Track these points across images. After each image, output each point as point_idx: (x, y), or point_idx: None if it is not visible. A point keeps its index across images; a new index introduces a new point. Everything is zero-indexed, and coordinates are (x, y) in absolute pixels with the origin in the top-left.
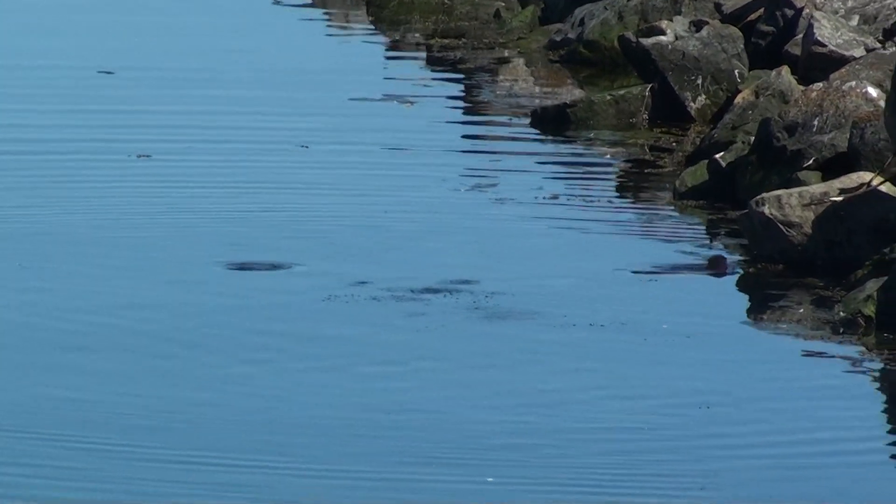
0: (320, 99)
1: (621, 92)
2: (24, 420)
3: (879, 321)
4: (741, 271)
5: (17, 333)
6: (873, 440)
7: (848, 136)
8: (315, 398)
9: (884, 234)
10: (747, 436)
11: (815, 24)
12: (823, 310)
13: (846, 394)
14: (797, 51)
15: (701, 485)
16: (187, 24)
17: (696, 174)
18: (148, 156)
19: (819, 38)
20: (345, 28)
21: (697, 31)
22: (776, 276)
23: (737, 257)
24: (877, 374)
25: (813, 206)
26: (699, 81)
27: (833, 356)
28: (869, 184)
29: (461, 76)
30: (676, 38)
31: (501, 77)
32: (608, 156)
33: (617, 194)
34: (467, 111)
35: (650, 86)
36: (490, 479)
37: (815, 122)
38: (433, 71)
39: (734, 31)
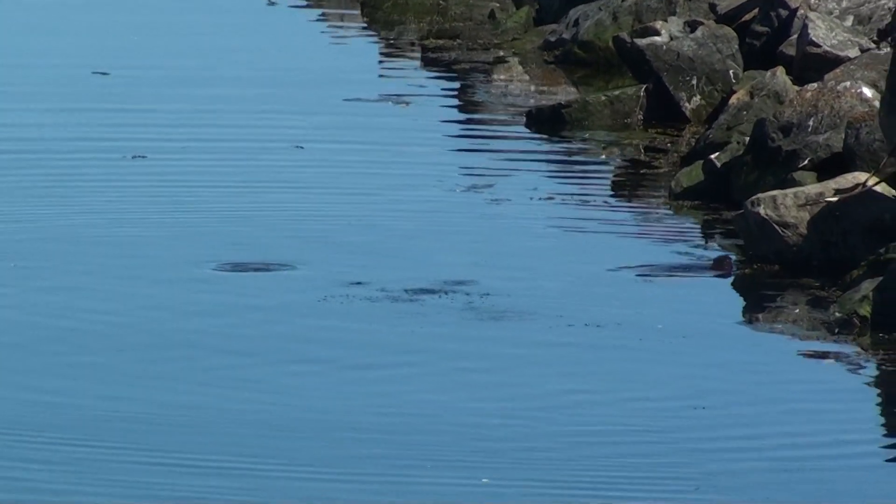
0: (315, 99)
1: (616, 92)
2: (9, 421)
3: (875, 321)
4: (737, 272)
5: (13, 333)
6: (870, 441)
7: (843, 136)
8: (309, 399)
9: (879, 234)
10: (743, 437)
11: (810, 25)
12: (819, 310)
13: (842, 394)
14: (792, 51)
15: (696, 486)
16: (182, 24)
17: (692, 174)
18: (143, 156)
19: (814, 39)
20: (339, 28)
21: (692, 31)
22: (772, 276)
23: (732, 258)
24: (873, 375)
25: (808, 207)
26: (694, 82)
27: (829, 356)
28: (864, 184)
29: (456, 77)
30: (671, 39)
31: (496, 77)
32: (603, 156)
33: (612, 195)
34: (462, 111)
35: (645, 86)
36: (485, 481)
37: (810, 123)
38: (428, 71)
39: (729, 31)
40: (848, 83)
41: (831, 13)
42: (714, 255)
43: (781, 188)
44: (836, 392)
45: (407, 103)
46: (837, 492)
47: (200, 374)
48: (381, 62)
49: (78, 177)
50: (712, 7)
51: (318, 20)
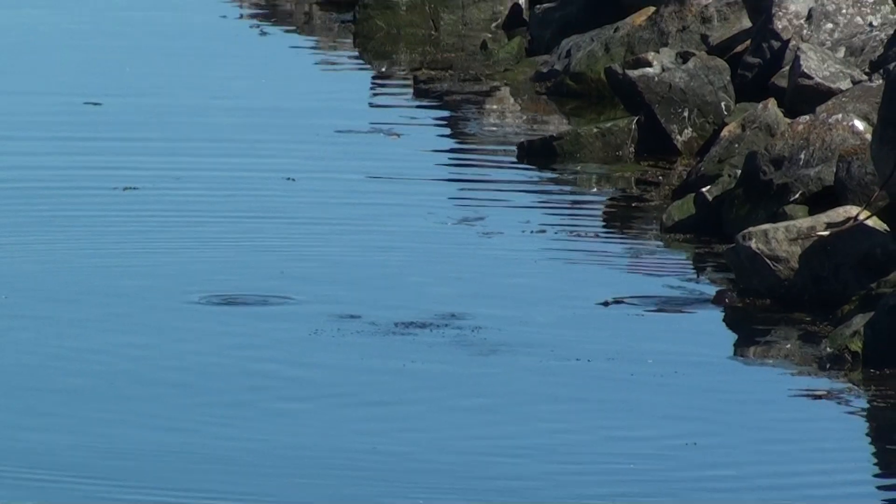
0: (307, 130)
1: (608, 124)
2: None
3: (866, 357)
4: (721, 307)
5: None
6: (861, 478)
7: (834, 169)
8: (297, 435)
9: (871, 268)
10: (734, 475)
11: (802, 57)
12: (810, 345)
13: (833, 431)
14: (784, 83)
15: None
16: (173, 53)
17: (683, 208)
18: (134, 188)
19: (806, 71)
20: (332, 59)
21: (684, 62)
22: (763, 310)
23: (734, 293)
24: (864, 411)
25: (800, 241)
26: (686, 114)
27: (820, 392)
28: (856, 218)
29: (448, 108)
30: (663, 70)
31: (488, 109)
32: (595, 189)
33: (604, 227)
34: (454, 143)
35: (637, 118)
36: None
37: (802, 156)
38: (420, 102)
39: (721, 63)
40: (840, 116)
41: (823, 45)
42: (706, 288)
43: (773, 222)
44: (828, 429)
45: (398, 135)
46: None
47: (187, 411)
48: (372, 93)
49: (69, 208)
50: (704, 38)
51: (310, 50)
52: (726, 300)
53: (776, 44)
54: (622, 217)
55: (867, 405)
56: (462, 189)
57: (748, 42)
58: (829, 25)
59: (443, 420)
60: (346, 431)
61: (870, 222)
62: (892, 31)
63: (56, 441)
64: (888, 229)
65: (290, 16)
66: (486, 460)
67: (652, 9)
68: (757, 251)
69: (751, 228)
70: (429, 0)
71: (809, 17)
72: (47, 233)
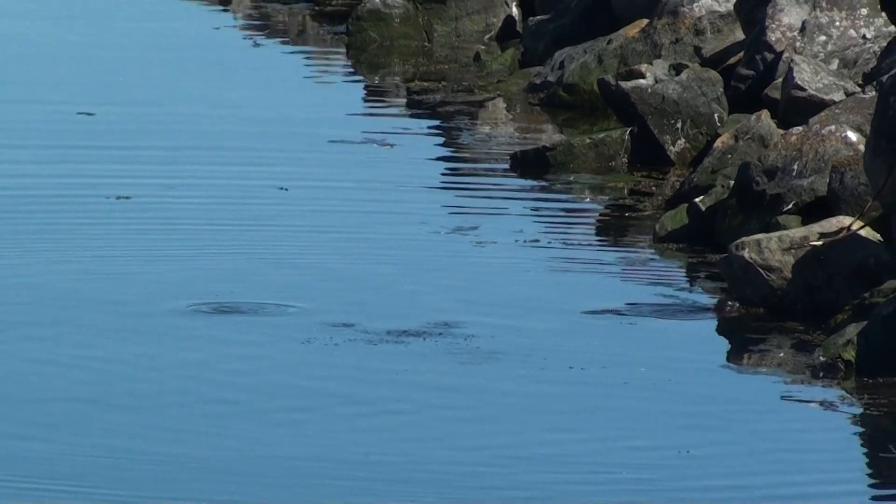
0: (300, 140)
1: (601, 135)
2: None
3: (859, 366)
4: (721, 316)
5: None
6: (854, 487)
7: (828, 180)
8: (288, 444)
9: (864, 278)
10: (728, 485)
11: (795, 68)
12: (803, 354)
13: (825, 438)
14: (777, 95)
15: None
16: (166, 63)
17: (676, 218)
18: (127, 197)
19: (799, 82)
20: (325, 70)
21: (677, 74)
22: (756, 319)
23: (735, 303)
24: (857, 419)
25: (793, 251)
26: (679, 125)
27: (813, 401)
28: (849, 228)
29: (441, 119)
30: (656, 82)
31: (481, 120)
32: (588, 199)
33: (597, 237)
34: (447, 154)
35: (630, 129)
36: None
37: (795, 167)
38: (413, 114)
39: (714, 74)
40: (833, 127)
41: (816, 57)
42: (699, 297)
43: (766, 232)
44: (820, 436)
45: (391, 145)
46: None
47: (177, 419)
48: (365, 104)
49: (61, 217)
50: (697, 50)
51: (303, 61)
52: (727, 308)
53: (769, 56)
54: (615, 227)
55: (860, 414)
56: (455, 198)
57: (741, 54)
58: (823, 38)
59: (436, 428)
60: (339, 439)
61: (863, 233)
62: (885, 44)
63: (54, 449)
64: (881, 239)
65: (284, 27)
66: (479, 469)
67: (645, 21)
68: (750, 261)
69: (744, 238)
70: (422, 12)
71: (803, 29)
72: (39, 242)
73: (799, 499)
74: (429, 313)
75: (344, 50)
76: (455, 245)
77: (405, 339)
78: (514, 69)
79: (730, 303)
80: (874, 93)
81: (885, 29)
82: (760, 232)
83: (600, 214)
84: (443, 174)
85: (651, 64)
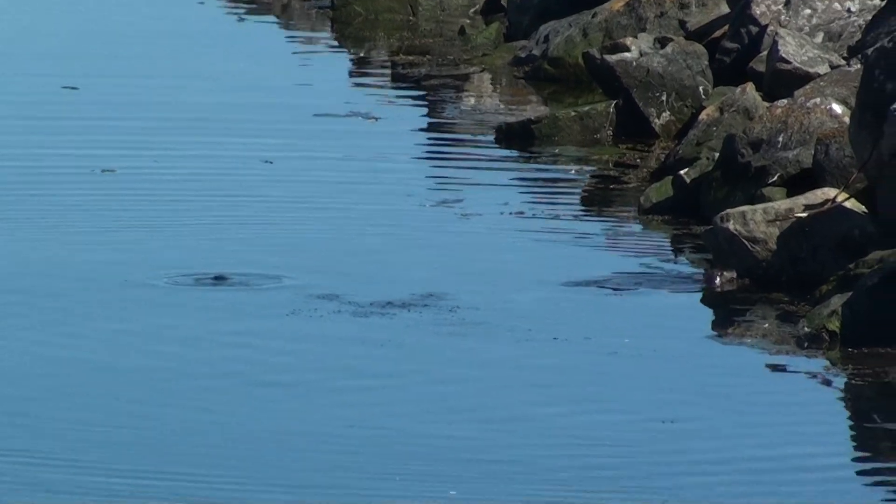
0: (285, 114)
1: (586, 108)
2: None
3: (844, 336)
4: (705, 287)
5: None
6: (838, 456)
7: (813, 152)
8: (276, 416)
9: (848, 250)
10: (711, 451)
11: (780, 42)
12: (788, 325)
13: (810, 409)
14: (762, 67)
15: (664, 500)
16: (152, 36)
17: (661, 190)
18: (112, 170)
19: (784, 55)
20: (309, 45)
21: (662, 47)
22: (741, 291)
23: (701, 272)
24: (841, 389)
25: (778, 223)
26: (664, 98)
27: (797, 371)
28: (834, 200)
29: (426, 92)
30: (641, 55)
31: (466, 93)
32: (573, 172)
33: (582, 210)
34: (432, 127)
35: (615, 102)
36: (452, 493)
37: (780, 139)
38: (398, 87)
39: (699, 48)
40: (818, 99)
41: (801, 30)
42: (684, 269)
43: (751, 204)
44: (805, 407)
45: (376, 118)
46: None
47: (163, 395)
48: (350, 77)
49: (46, 190)
50: (682, 24)
51: (288, 36)
52: (721, 277)
53: (754, 29)
54: (600, 199)
55: (845, 384)
56: (440, 171)
57: (726, 27)
58: (808, 11)
59: (421, 399)
60: (324, 411)
61: (848, 204)
62: (869, 17)
63: (34, 424)
64: (866, 211)
65: (269, 2)
66: (463, 437)
67: None
68: (735, 233)
69: (729, 210)
70: None
71: (788, 2)
72: (21, 216)
73: (784, 470)
74: (414, 285)
75: (329, 24)
76: (440, 217)
77: (390, 311)
78: (499, 43)
79: (725, 272)
80: (859, 66)
81: (869, 2)
82: (745, 204)
83: (585, 187)
84: (428, 147)
85: (636, 37)
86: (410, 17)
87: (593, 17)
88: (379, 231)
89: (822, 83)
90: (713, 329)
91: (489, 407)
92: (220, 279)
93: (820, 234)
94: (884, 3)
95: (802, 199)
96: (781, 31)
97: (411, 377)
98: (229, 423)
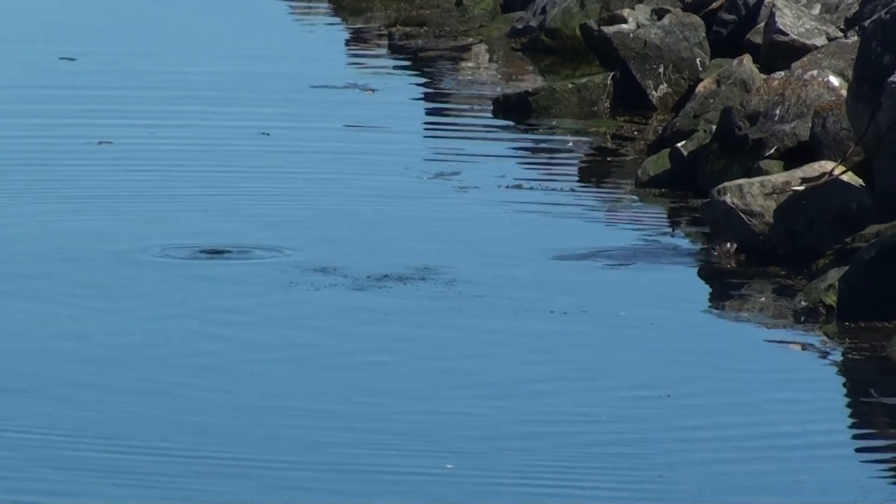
0: (282, 86)
1: (583, 80)
2: None
3: (840, 310)
4: (703, 260)
5: None
6: (835, 430)
7: (810, 125)
8: (274, 389)
9: (845, 223)
10: (708, 426)
11: (777, 13)
12: (785, 298)
13: (808, 383)
14: (759, 39)
15: (660, 474)
16: (148, 7)
17: (658, 162)
18: (109, 142)
19: (781, 27)
20: (307, 16)
21: (659, 19)
22: (737, 264)
23: (698, 246)
24: (838, 363)
25: (775, 196)
26: (661, 70)
27: (794, 345)
28: (831, 173)
29: (423, 64)
30: (638, 27)
31: (463, 65)
32: (570, 144)
33: (579, 182)
34: (429, 99)
35: (612, 74)
36: (449, 466)
37: (777, 111)
38: (395, 59)
39: (696, 19)
40: (815, 72)
41: (798, 1)
42: (681, 242)
43: (748, 177)
44: (802, 381)
45: (373, 90)
46: (803, 481)
47: (158, 364)
48: (348, 49)
49: (43, 161)
50: None
51: (285, 7)
52: (726, 249)
53: (751, 0)
54: (597, 172)
55: (841, 358)
56: (438, 143)
57: None
58: None
59: (417, 373)
60: (319, 382)
61: (845, 177)
62: None
63: (28, 402)
64: (863, 184)
65: None
66: (460, 410)
67: None
68: (732, 206)
69: (726, 183)
70: None
71: None
72: (19, 186)
73: (780, 445)
74: (411, 258)
75: None
76: (437, 190)
77: (388, 284)
78: (496, 14)
79: (728, 244)
80: (856, 38)
81: None
82: (742, 177)
83: (582, 159)
84: (425, 119)
85: (633, 9)
86: None
87: None
88: (375, 204)
89: (819, 55)
90: (710, 303)
91: (485, 382)
92: (216, 252)
93: (817, 207)
94: None
95: (799, 172)
96: (779, 3)
97: (408, 352)
98: (224, 397)
